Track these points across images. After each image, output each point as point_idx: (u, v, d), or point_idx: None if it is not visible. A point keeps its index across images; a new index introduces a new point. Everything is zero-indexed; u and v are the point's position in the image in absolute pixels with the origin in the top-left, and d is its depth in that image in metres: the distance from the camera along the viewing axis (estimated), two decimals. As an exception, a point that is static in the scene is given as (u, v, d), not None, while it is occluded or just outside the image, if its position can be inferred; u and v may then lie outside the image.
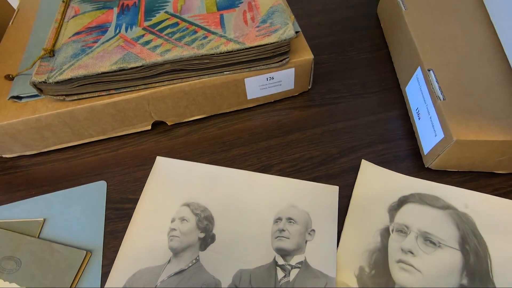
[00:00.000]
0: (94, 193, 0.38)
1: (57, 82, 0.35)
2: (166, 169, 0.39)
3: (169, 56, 0.35)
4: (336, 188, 0.36)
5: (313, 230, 0.33)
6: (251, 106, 0.44)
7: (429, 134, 0.34)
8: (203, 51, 0.35)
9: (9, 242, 0.34)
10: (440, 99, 0.33)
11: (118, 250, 0.34)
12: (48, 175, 0.40)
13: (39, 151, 0.42)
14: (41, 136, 0.40)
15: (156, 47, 0.36)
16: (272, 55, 0.38)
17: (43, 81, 0.34)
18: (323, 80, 0.46)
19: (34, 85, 0.35)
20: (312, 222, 0.34)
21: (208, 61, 0.36)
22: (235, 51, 0.36)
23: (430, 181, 0.35)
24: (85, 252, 0.33)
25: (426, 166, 0.36)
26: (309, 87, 0.45)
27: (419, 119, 0.37)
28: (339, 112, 0.43)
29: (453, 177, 0.36)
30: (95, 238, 0.35)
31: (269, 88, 0.42)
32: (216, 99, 0.41)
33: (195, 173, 0.38)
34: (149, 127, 0.43)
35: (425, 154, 0.36)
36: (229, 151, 0.40)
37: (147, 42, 0.37)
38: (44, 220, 0.36)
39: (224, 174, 0.38)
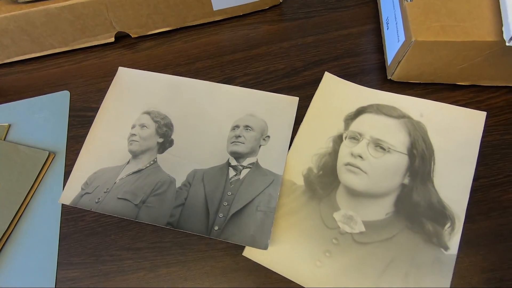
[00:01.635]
0: (58, 102, 0.38)
1: (3, -22, 0.33)
2: (128, 79, 0.38)
3: (121, -50, 0.33)
4: (296, 99, 0.35)
5: (268, 136, 0.34)
6: (218, 19, 0.42)
7: (394, 42, 0.33)
8: None
9: (-25, 143, 0.35)
10: (407, 1, 0.31)
11: (79, 152, 0.35)
12: (12, 85, 0.40)
13: (1, 62, 0.41)
14: (0, 44, 0.39)
15: None
16: (235, -46, 0.35)
17: (-12, -24, 0.32)
18: (298, -7, 0.43)
19: (-19, -20, 0.33)
20: (268, 129, 0.34)
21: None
22: None
23: (391, 92, 0.35)
24: (48, 152, 0.35)
25: (388, 78, 0.35)
26: (280, 0, 0.42)
27: (387, 29, 0.35)
28: (310, 27, 0.41)
29: (416, 89, 0.35)
30: (59, 142, 0.36)
31: (233, -3, 0.39)
32: (179, 8, 0.39)
33: (157, 83, 0.38)
34: (113, 39, 0.41)
35: (388, 64, 0.35)
36: (194, 63, 0.40)
37: None
38: (9, 125, 0.37)
39: (186, 84, 0.38)
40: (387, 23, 0.35)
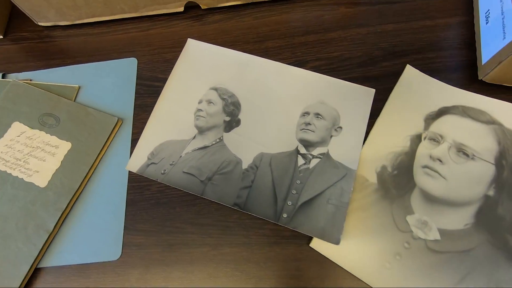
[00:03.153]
0: (125, 68, 0.38)
1: None
2: (196, 52, 0.38)
3: None
4: (372, 91, 0.33)
5: (340, 127, 0.32)
6: (293, -4, 0.40)
7: (495, 39, 0.30)
8: None
9: (48, 101, 0.36)
10: (524, -7, 0.27)
11: (145, 122, 0.35)
12: (81, 47, 0.41)
13: (72, 22, 0.41)
14: (74, 4, 0.38)
15: None
16: None
17: None
18: (380, -25, 0.40)
19: None
20: (340, 119, 0.33)
21: None
22: None
23: (480, 94, 0.32)
24: (116, 118, 0.35)
25: (480, 79, 0.32)
26: (362, -19, 0.39)
27: (486, 23, 0.32)
28: (391, 13, 0.38)
29: (508, 94, 0.32)
30: (126, 108, 0.36)
31: (317, -25, 0.37)
32: (255, -19, 0.37)
33: (226, 58, 0.37)
34: (182, 9, 0.40)
35: (482, 63, 0.32)
36: (263, 42, 0.38)
37: None
38: (79, 87, 0.38)
39: (255, 62, 0.36)
40: (487, 17, 0.32)
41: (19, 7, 0.39)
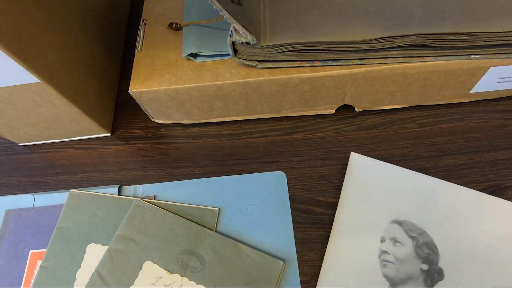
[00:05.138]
0: (273, 186, 0.32)
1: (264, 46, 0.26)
2: (365, 171, 0.31)
3: (421, 25, 0.25)
4: None
5: None
6: (465, 101, 0.34)
7: None
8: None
9: (186, 232, 0.29)
10: None
11: (315, 265, 0.28)
12: (210, 153, 0.34)
13: (197, 121, 0.35)
14: (209, 106, 0.32)
15: (398, 9, 0.26)
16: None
17: (246, 42, 0.26)
18: (560, 77, 0.35)
19: (233, 45, 0.27)
20: None
21: (468, 38, 0.26)
22: (514, 28, 0.25)
23: None
24: (281, 263, 0.28)
25: None
26: (546, 85, 0.34)
27: None
28: None
29: None
30: (285, 244, 0.29)
31: (507, 83, 0.31)
32: (433, 87, 0.31)
33: (404, 182, 0.30)
34: (333, 111, 0.34)
35: None
36: (440, 158, 0.32)
37: None
38: (219, 209, 0.31)
39: (442, 189, 0.30)
40: None
41: (144, 109, 0.33)
